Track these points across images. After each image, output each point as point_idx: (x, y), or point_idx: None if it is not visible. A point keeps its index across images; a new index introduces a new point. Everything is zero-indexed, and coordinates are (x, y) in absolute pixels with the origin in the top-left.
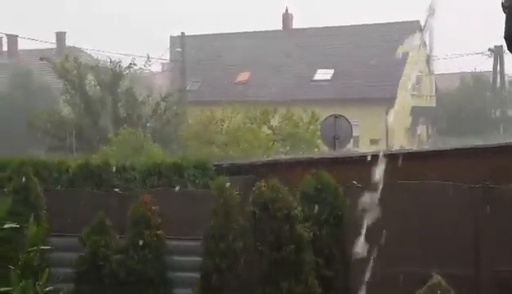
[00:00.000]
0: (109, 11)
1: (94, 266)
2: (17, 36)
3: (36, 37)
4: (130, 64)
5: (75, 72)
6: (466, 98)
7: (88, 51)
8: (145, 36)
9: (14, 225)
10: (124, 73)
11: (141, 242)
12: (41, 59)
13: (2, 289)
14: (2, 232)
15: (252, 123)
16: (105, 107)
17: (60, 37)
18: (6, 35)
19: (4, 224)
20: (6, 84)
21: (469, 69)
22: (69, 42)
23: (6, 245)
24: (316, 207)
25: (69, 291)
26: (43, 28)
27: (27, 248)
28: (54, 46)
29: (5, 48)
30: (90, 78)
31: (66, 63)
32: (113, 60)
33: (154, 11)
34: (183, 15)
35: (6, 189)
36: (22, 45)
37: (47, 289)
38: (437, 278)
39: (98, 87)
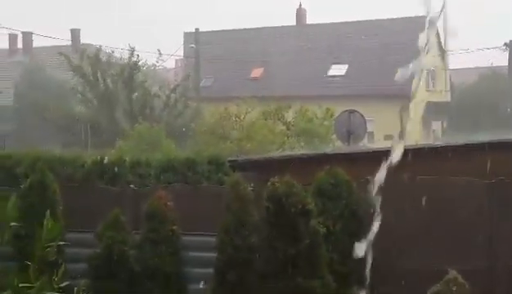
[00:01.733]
0: (124, 8)
1: (109, 261)
2: (32, 33)
3: (51, 34)
4: (137, 60)
5: (91, 68)
6: (482, 93)
7: (103, 48)
8: (159, 32)
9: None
10: (139, 67)
11: (156, 238)
12: (59, 54)
13: (21, 284)
14: (20, 228)
15: (266, 119)
16: (120, 101)
17: (75, 34)
18: (22, 32)
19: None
20: (21, 80)
21: (484, 64)
22: (83, 39)
23: (25, 240)
24: (330, 202)
25: (85, 286)
26: (58, 25)
27: (44, 244)
28: (69, 42)
29: (20, 45)
30: (105, 74)
31: (83, 58)
32: (127, 56)
33: (168, 9)
34: (197, 12)
35: (22, 185)
36: (37, 42)
37: (64, 284)
38: (453, 273)
39: (113, 82)
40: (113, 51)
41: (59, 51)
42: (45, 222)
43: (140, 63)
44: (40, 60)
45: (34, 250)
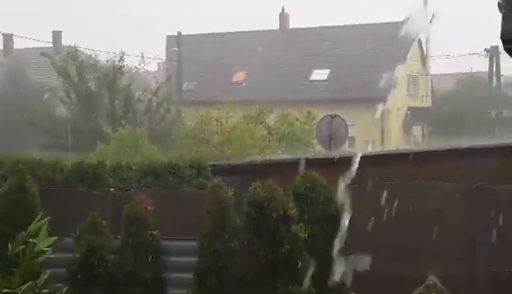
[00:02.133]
0: (105, 10)
1: (88, 266)
2: (13, 35)
3: (32, 36)
4: (122, 64)
5: (74, 69)
6: (462, 98)
7: (84, 50)
8: (142, 35)
9: None
10: (122, 70)
11: (135, 242)
12: (42, 54)
13: (4, 290)
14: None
15: (248, 123)
16: (102, 104)
17: (57, 36)
18: (2, 34)
19: None
20: (2, 82)
21: (464, 70)
22: (65, 42)
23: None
24: (307, 207)
25: (64, 291)
26: (39, 27)
27: (31, 255)
28: (50, 45)
29: (0, 47)
30: (88, 77)
31: (66, 61)
32: (109, 58)
33: (150, 11)
34: (180, 15)
35: (0, 189)
36: (18, 44)
37: (46, 291)
38: (432, 279)
39: (96, 85)
40: (96, 55)
41: (40, 52)
42: (41, 233)
43: (124, 67)
44: (21, 62)
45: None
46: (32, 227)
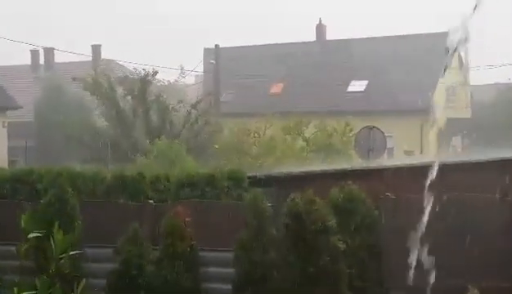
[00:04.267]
0: (143, 24)
1: (128, 277)
2: (54, 49)
3: (72, 50)
4: (153, 73)
5: (106, 85)
6: (502, 108)
7: (122, 63)
8: (180, 49)
9: (38, 234)
10: (154, 82)
11: (173, 253)
12: (73, 79)
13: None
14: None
15: (286, 134)
16: (138, 117)
17: (96, 49)
18: (43, 48)
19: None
20: (43, 96)
21: (505, 81)
22: (104, 55)
23: (39, 254)
24: (345, 218)
25: None
26: (79, 41)
27: (56, 257)
28: (89, 58)
29: (42, 61)
30: (121, 90)
31: (98, 78)
32: (146, 71)
33: (187, 25)
34: (216, 28)
35: (42, 201)
36: (59, 58)
37: None
38: (473, 291)
39: (129, 98)
40: (135, 69)
41: (80, 67)
42: (54, 234)
43: (150, 78)
44: (61, 76)
45: (47, 263)
46: (70, 237)
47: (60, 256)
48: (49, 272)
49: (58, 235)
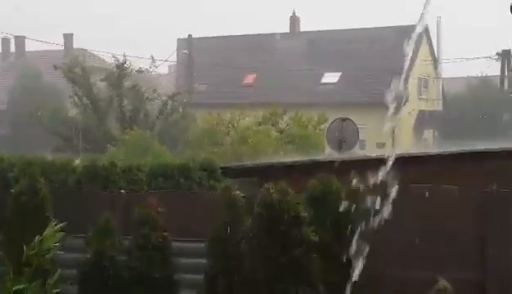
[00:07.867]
0: (113, 12)
1: (99, 267)
2: (25, 37)
3: (43, 39)
4: (123, 62)
5: (81, 73)
6: (473, 102)
7: (95, 53)
8: (152, 38)
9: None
10: (129, 71)
11: (146, 244)
12: (54, 67)
13: (15, 288)
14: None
15: (260, 125)
16: (112, 106)
17: (68, 38)
18: (14, 36)
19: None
20: (15, 85)
21: (475, 74)
22: (76, 44)
23: (15, 244)
24: (321, 210)
25: (74, 292)
26: (51, 29)
27: (41, 252)
28: (61, 47)
29: (13, 49)
30: (95, 79)
31: (73, 66)
32: (119, 61)
33: (161, 15)
34: (190, 18)
35: (12, 190)
36: (29, 46)
37: (57, 290)
38: (443, 283)
39: (104, 87)
40: (104, 58)
41: (52, 55)
42: (47, 230)
43: (127, 67)
44: (34, 64)
45: (28, 255)
46: (47, 231)
47: (45, 252)
48: (28, 265)
49: (51, 231)
